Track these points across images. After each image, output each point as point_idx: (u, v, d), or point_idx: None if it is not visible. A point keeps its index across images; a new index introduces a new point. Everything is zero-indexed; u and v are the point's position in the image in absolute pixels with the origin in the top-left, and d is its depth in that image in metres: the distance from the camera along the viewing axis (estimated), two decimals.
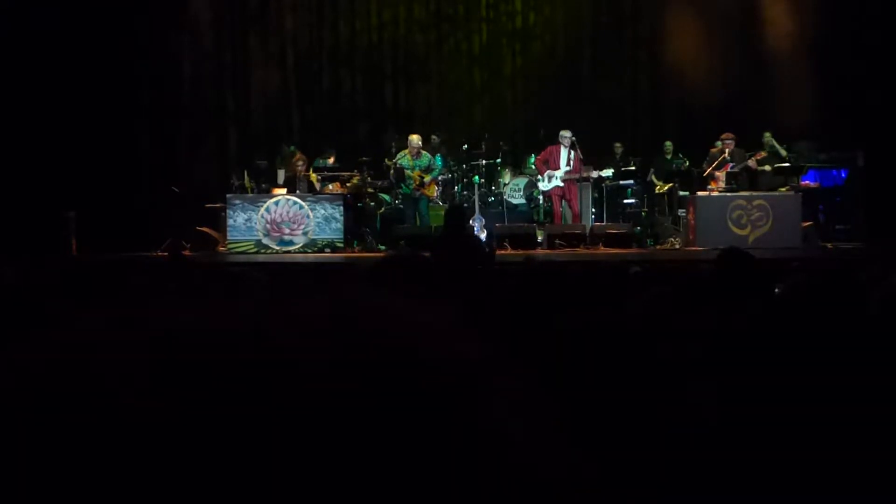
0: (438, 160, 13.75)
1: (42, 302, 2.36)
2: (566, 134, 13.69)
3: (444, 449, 0.47)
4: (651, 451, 1.33)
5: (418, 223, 13.19)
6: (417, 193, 13.34)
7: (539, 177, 13.99)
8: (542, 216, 14.17)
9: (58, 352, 0.48)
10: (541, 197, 14.27)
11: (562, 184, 13.66)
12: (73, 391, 0.46)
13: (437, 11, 16.73)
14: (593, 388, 1.36)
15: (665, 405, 1.37)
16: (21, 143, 12.94)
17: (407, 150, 13.51)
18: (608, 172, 13.98)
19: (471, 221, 13.20)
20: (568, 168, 13.60)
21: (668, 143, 14.75)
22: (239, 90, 16.03)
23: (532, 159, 14.78)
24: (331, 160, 14.49)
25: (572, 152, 13.64)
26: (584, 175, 13.67)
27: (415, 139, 13.56)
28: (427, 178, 13.33)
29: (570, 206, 13.70)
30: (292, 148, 14.50)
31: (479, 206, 13.76)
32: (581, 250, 12.41)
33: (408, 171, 13.32)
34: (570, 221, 13.54)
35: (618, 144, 14.89)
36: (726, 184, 13.03)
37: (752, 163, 13.32)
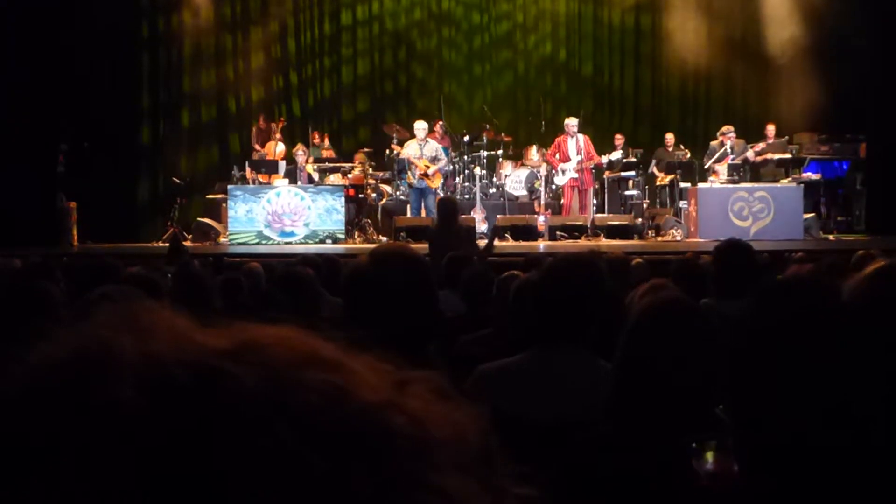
0: (444, 150, 13.67)
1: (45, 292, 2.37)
2: (571, 122, 13.47)
3: None
4: None
5: (424, 216, 13.08)
6: (422, 184, 13.16)
7: (550, 170, 13.77)
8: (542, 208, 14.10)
9: None
10: (542, 189, 14.19)
11: (576, 175, 13.29)
12: None
13: (439, 2, 16.70)
14: None
15: None
16: (22, 134, 12.92)
17: (414, 139, 13.43)
18: (616, 155, 13.90)
19: (472, 213, 13.16)
20: (579, 157, 13.25)
21: (670, 135, 14.73)
22: (240, 84, 16.00)
23: (534, 151, 14.73)
24: (318, 140, 14.75)
25: (581, 139, 13.38)
26: (597, 161, 13.40)
27: (420, 125, 13.49)
28: (433, 168, 13.20)
29: (583, 198, 13.32)
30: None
31: (481, 198, 13.72)
32: (583, 242, 12.39)
33: (414, 160, 13.22)
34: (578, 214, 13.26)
35: (619, 136, 14.86)
36: (727, 176, 13.01)
37: (750, 154, 13.29)
